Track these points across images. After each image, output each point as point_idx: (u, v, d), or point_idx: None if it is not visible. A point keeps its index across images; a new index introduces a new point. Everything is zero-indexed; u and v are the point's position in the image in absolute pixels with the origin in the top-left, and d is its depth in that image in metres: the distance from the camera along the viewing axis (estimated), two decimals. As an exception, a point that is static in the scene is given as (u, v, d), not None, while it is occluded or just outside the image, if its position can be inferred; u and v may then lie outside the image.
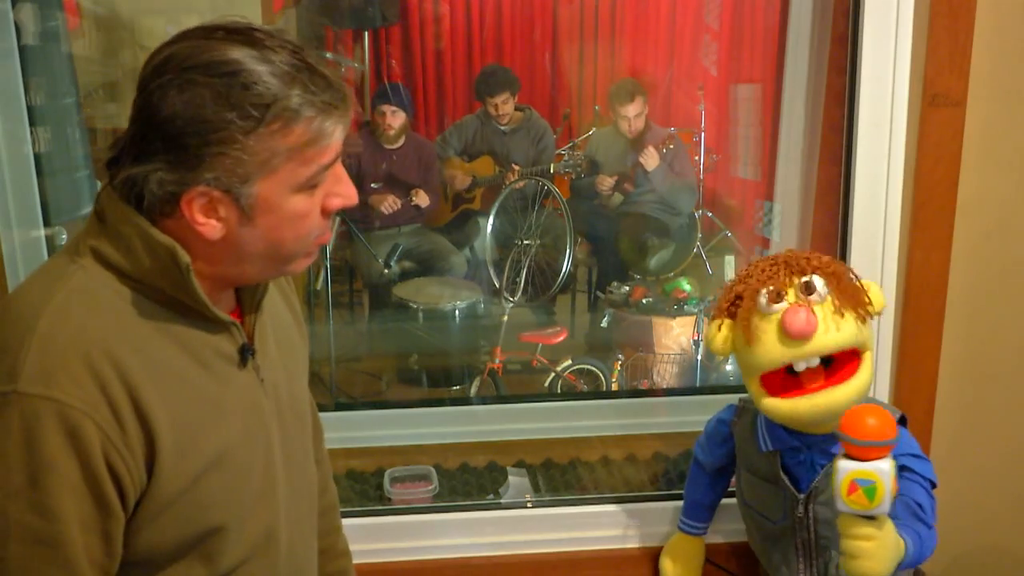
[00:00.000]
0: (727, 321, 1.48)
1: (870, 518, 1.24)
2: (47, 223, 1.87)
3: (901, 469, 1.44)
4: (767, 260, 1.47)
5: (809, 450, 1.50)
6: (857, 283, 1.43)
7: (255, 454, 1.00)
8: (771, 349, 1.41)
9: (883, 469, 1.20)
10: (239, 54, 0.86)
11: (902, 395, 1.85)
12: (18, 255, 1.80)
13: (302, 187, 0.91)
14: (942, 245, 1.81)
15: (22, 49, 1.79)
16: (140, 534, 0.91)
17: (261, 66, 0.86)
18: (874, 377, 1.50)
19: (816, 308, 1.39)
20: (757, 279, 1.44)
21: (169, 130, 0.85)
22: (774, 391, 1.44)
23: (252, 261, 0.95)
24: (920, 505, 1.43)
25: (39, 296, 0.89)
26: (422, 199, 3.81)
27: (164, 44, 0.89)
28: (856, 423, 1.22)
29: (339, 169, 0.95)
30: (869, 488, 1.20)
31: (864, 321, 1.41)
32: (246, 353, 0.99)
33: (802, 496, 1.51)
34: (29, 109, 1.81)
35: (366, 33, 3.82)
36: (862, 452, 1.21)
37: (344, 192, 0.95)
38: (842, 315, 1.39)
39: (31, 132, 1.82)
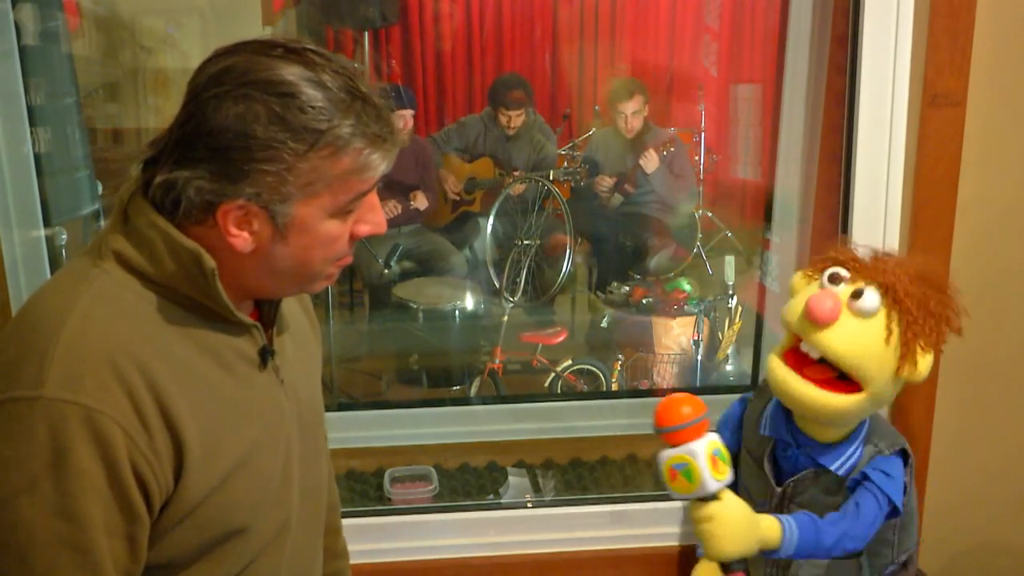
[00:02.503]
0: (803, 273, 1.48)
1: (708, 499, 1.24)
2: (47, 223, 1.87)
3: (864, 478, 1.44)
4: (882, 253, 1.45)
5: (797, 448, 1.50)
6: (922, 343, 1.38)
7: (276, 455, 1.01)
8: (793, 309, 1.41)
9: (693, 449, 1.21)
10: (296, 75, 0.86)
11: (902, 395, 1.85)
12: (18, 255, 1.80)
13: (338, 212, 0.92)
14: (942, 245, 1.81)
15: (22, 49, 1.79)
16: (165, 537, 0.91)
17: (317, 91, 0.86)
18: (863, 422, 1.49)
19: (854, 315, 1.36)
20: (848, 257, 1.43)
21: (218, 141, 0.85)
22: (785, 358, 1.43)
23: (276, 277, 0.95)
24: (857, 504, 1.42)
25: (63, 301, 0.89)
26: (421, 202, 3.80)
27: (221, 54, 0.89)
28: (658, 413, 1.24)
29: (373, 197, 0.97)
30: (686, 471, 1.22)
31: (880, 365, 1.36)
32: (266, 355, 0.99)
33: (778, 490, 1.51)
34: (29, 109, 1.81)
35: (366, 33, 3.82)
36: (670, 439, 1.23)
37: (374, 220, 0.97)
38: (869, 338, 1.35)
39: (31, 132, 1.82)
